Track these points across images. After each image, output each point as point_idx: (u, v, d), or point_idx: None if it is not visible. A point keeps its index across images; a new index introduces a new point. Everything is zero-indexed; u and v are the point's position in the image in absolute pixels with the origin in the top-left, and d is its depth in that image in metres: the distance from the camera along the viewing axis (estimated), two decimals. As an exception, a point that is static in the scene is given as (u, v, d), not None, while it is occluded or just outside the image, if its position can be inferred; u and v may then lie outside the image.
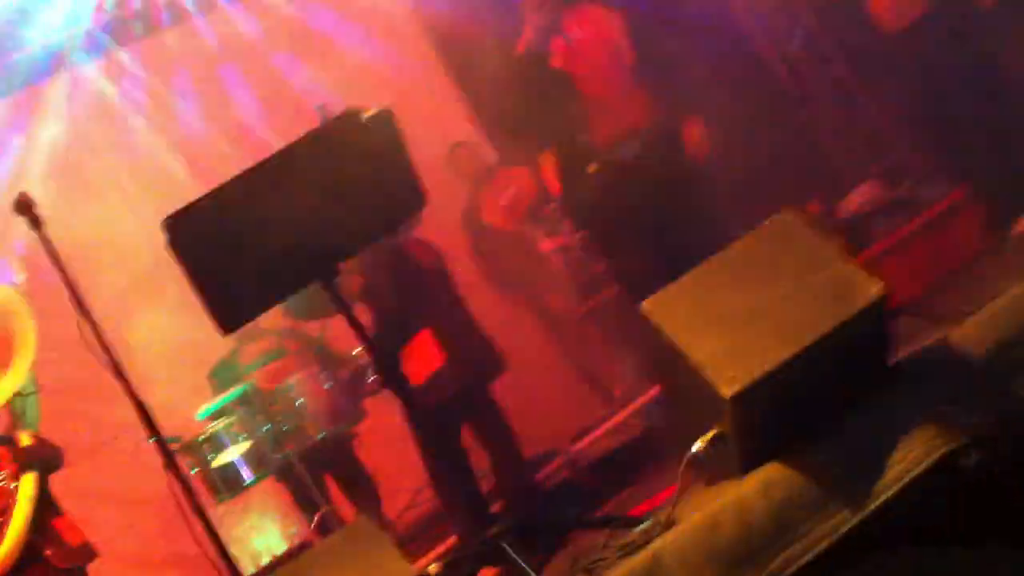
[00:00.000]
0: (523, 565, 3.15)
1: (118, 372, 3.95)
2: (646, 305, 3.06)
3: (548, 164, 4.48)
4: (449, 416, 4.95)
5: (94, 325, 3.96)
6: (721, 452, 2.87)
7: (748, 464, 2.78)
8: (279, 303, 4.01)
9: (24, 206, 4.15)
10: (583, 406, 5.93)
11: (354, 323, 4.14)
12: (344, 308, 3.97)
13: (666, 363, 3.17)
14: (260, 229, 3.41)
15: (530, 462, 5.21)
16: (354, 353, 5.31)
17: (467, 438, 4.98)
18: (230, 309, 3.37)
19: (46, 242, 4.10)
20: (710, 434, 2.86)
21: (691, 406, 3.12)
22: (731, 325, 2.94)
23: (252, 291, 3.43)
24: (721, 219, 4.20)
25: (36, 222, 4.19)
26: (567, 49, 4.40)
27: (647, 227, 4.20)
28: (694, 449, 2.87)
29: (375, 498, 5.40)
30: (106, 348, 3.95)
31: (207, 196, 3.43)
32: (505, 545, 3.17)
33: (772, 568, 2.59)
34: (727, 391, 2.78)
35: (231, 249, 3.37)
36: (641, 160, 4.20)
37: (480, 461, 4.96)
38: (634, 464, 4.52)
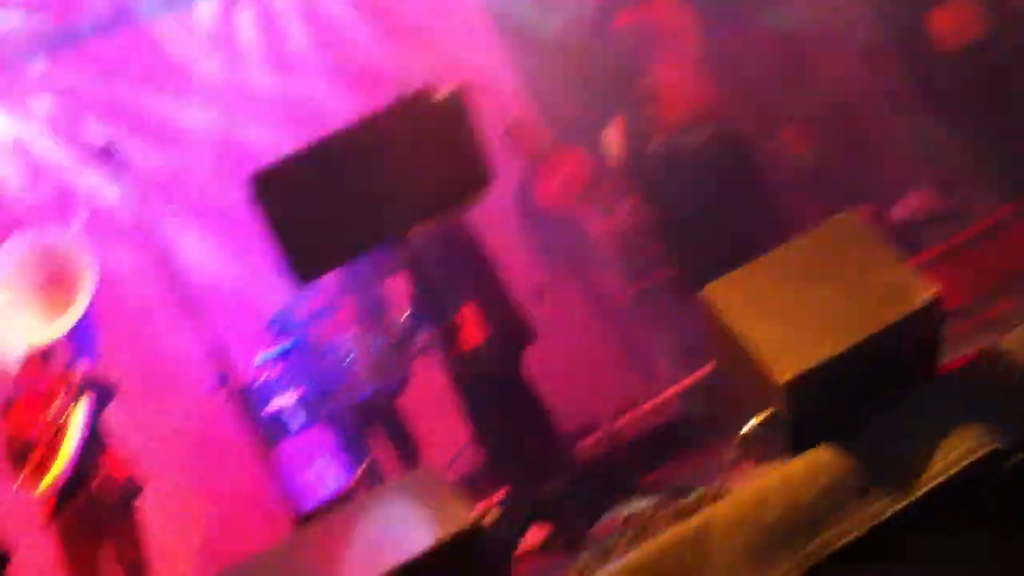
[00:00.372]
0: (575, 524, 3.32)
1: (193, 313, 4.14)
2: (707, 290, 3.21)
3: (617, 130, 4.60)
4: (493, 385, 5.11)
5: (173, 265, 4.15)
6: (771, 434, 3.02)
7: (797, 447, 2.93)
8: (352, 260, 4.18)
9: (108, 152, 4.33)
10: (625, 385, 6.05)
11: (418, 284, 4.33)
12: (412, 271, 4.17)
13: (718, 348, 3.33)
14: (339, 190, 3.60)
15: (570, 435, 5.36)
16: (405, 315, 5.47)
17: (510, 407, 5.11)
18: (307, 262, 3.56)
19: (127, 186, 4.30)
20: (762, 416, 3.01)
21: (739, 391, 3.27)
22: (788, 316, 3.08)
23: (328, 247, 3.62)
24: (777, 215, 4.34)
25: (118, 167, 4.38)
26: (637, 18, 4.53)
27: (704, 211, 4.33)
28: (746, 429, 3.02)
29: (416, 455, 5.58)
30: (183, 288, 4.14)
31: (291, 156, 3.63)
32: (556, 504, 3.34)
33: (814, 545, 2.75)
34: (782, 377, 2.93)
35: (311, 206, 3.56)
36: (706, 148, 4.33)
37: (521, 429, 5.09)
38: (671, 445, 4.65)
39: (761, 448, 3.06)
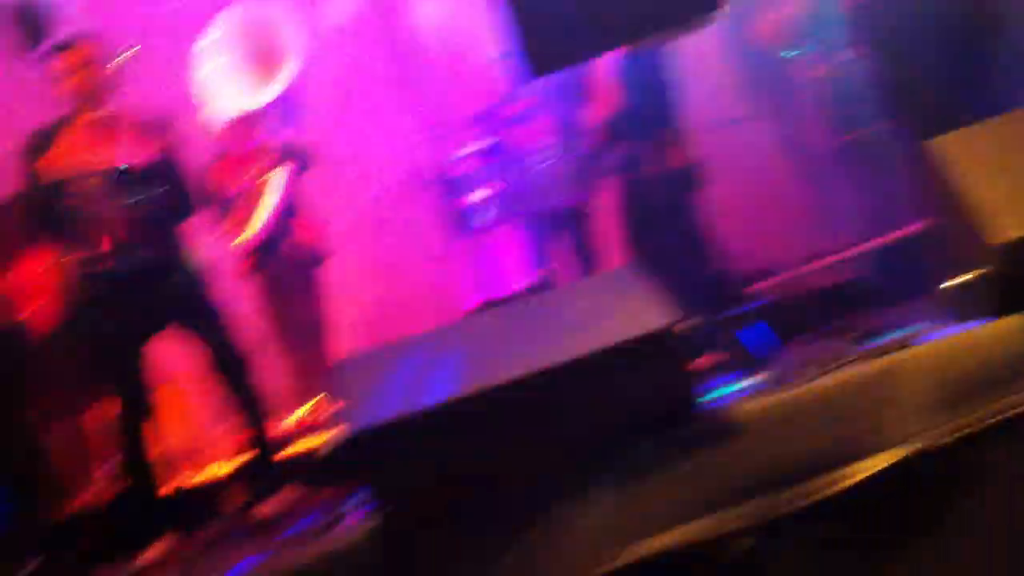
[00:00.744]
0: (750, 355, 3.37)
1: (402, 93, 4.26)
2: (934, 142, 3.13)
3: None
4: (679, 213, 5.12)
5: (393, 44, 4.27)
6: (976, 294, 2.98)
7: (1004, 310, 2.88)
8: (583, 61, 4.27)
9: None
10: (813, 235, 5.94)
11: (623, 102, 4.35)
12: (619, 88, 4.21)
13: (934, 203, 3.26)
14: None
15: (749, 274, 5.35)
16: (604, 132, 5.47)
17: (693, 238, 5.11)
18: (542, 55, 3.69)
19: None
20: (970, 274, 2.96)
21: (949, 250, 3.22)
22: (1016, 178, 2.99)
23: (564, 44, 3.76)
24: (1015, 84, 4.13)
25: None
26: None
27: (933, 71, 4.16)
28: (950, 284, 2.99)
29: (594, 269, 5.66)
30: (399, 68, 4.26)
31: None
32: (730, 334, 3.39)
33: (994, 408, 2.73)
34: (1000, 237, 2.87)
35: (556, 3, 3.68)
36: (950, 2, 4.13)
37: (701, 261, 5.09)
38: (857, 299, 4.58)
39: (963, 307, 3.02)
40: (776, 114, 6.24)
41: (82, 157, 4.15)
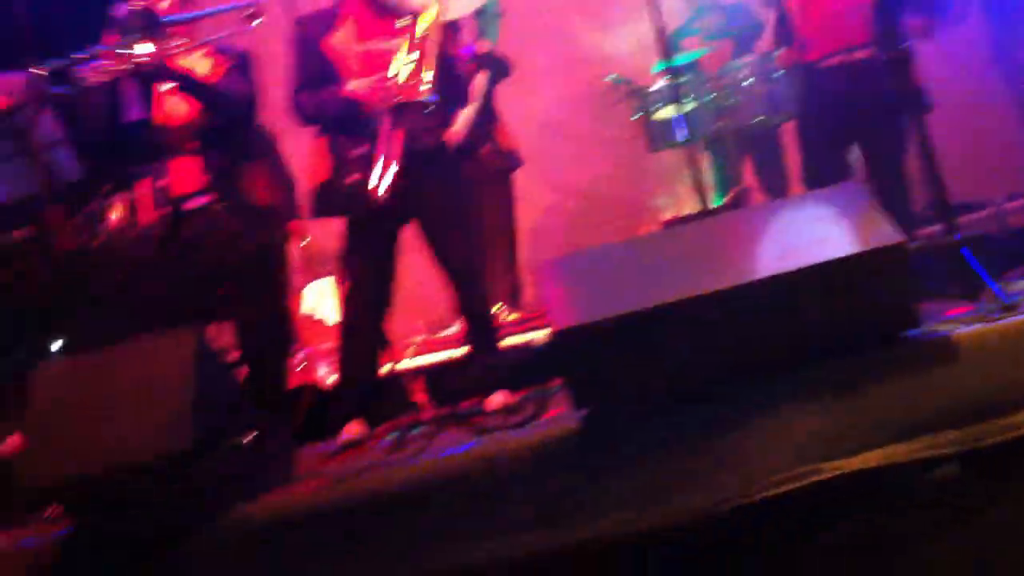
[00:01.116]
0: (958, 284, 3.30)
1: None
2: None
3: None
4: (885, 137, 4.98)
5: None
6: None
7: None
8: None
9: None
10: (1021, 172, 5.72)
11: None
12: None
13: None
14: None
15: (953, 206, 5.17)
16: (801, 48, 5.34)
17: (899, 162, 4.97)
18: None
19: None
20: None
21: None
22: None
23: None
24: None
25: None
26: None
27: None
28: None
29: (786, 190, 5.60)
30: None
31: None
32: (964, 252, 3.33)
33: None
34: None
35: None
36: None
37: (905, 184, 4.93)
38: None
39: None
40: (1001, 39, 5.91)
41: (365, 47, 4.15)
